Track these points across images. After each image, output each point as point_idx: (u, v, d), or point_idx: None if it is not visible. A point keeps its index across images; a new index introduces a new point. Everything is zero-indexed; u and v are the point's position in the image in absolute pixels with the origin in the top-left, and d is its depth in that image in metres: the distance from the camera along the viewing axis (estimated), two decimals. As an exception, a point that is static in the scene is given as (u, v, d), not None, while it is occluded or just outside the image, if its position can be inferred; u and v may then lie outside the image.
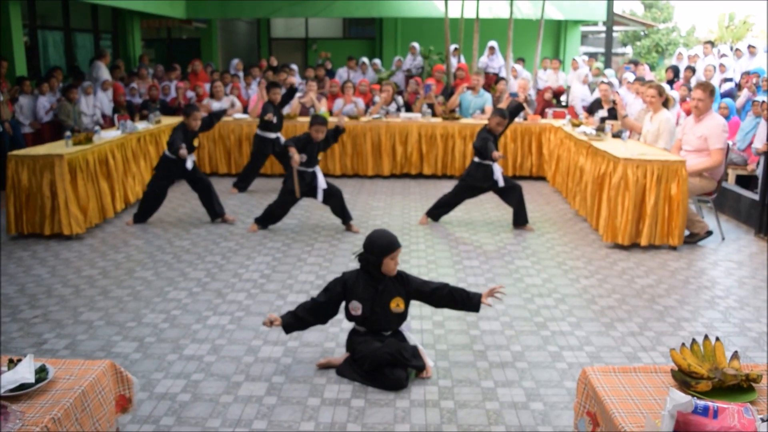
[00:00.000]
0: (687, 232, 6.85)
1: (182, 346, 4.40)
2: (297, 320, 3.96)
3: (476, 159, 7.23)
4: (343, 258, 6.31)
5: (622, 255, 6.48)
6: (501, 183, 7.19)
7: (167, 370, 4.07)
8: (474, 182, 7.27)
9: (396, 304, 3.92)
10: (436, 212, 7.60)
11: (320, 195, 7.01)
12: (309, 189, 6.99)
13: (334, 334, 4.57)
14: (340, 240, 6.92)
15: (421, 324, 4.77)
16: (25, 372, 2.43)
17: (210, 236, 7.06)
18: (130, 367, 4.09)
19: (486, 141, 7.05)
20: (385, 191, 9.42)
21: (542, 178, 10.31)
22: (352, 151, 10.28)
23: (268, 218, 7.23)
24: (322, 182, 7.00)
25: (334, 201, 7.13)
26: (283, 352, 4.30)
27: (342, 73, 14.09)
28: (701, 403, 1.95)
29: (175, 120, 10.11)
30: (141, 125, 9.14)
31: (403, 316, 4.00)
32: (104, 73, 12.27)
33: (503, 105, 10.54)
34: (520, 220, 7.39)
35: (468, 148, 10.16)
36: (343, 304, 4.01)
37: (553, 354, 4.33)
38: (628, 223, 6.53)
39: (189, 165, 7.34)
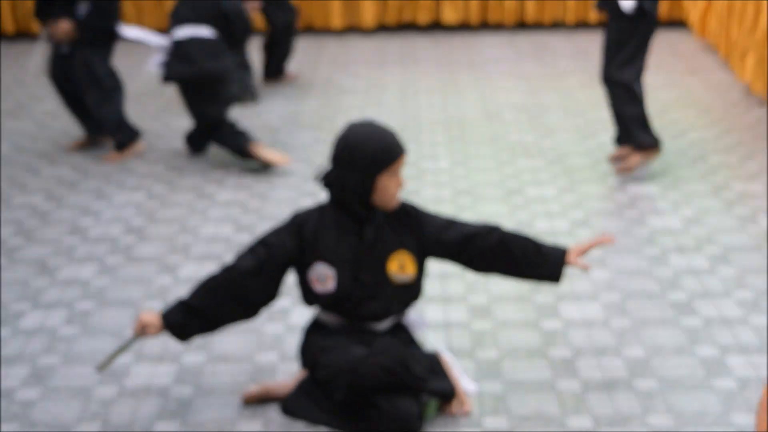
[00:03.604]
0: None
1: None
2: (194, 316, 2.34)
3: None
4: (278, 204, 3.76)
5: None
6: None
7: None
8: None
9: (399, 265, 2.40)
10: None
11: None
12: None
13: (272, 338, 2.91)
14: (274, 172, 4.05)
15: (447, 310, 3.05)
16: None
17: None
18: None
19: None
20: (365, 56, 5.98)
21: (681, 24, 6.77)
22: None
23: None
24: None
25: None
26: (175, 377, 2.61)
27: None
28: None
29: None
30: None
31: (412, 290, 2.44)
32: None
33: None
34: None
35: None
36: (297, 278, 2.42)
37: (705, 362, 2.72)
38: None
39: None
